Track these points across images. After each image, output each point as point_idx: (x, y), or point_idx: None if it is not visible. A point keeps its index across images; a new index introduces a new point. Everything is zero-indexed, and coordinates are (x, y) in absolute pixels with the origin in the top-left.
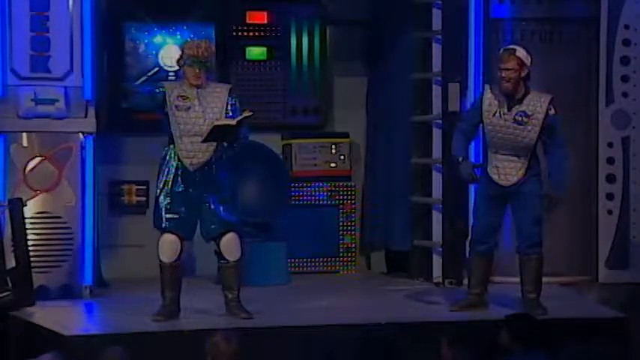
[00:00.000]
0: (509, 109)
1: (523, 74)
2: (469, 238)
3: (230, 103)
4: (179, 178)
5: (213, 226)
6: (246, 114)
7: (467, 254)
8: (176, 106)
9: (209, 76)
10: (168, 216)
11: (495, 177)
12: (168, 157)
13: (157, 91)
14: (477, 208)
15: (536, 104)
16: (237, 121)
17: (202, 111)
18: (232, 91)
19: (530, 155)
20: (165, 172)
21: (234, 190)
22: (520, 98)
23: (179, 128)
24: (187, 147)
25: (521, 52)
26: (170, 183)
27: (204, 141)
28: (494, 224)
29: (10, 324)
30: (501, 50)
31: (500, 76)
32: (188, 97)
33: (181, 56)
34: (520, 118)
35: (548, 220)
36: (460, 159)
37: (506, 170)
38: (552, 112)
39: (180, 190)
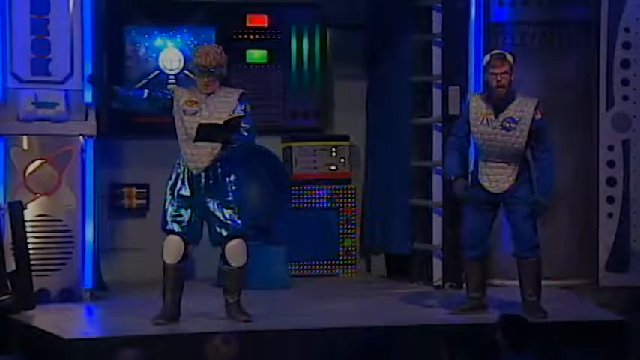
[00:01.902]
0: (497, 115)
1: (513, 78)
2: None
3: (239, 108)
4: (185, 182)
5: (219, 231)
6: (235, 114)
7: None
8: (184, 111)
9: (222, 81)
10: (173, 219)
11: (486, 185)
12: (178, 161)
13: (167, 95)
14: (467, 214)
15: (523, 109)
16: (225, 121)
17: (208, 115)
18: (243, 96)
19: (521, 161)
20: (174, 176)
21: (241, 193)
22: (507, 104)
23: (185, 132)
24: (192, 151)
25: (509, 57)
26: (177, 186)
27: (195, 141)
28: (485, 229)
29: (10, 327)
30: (489, 56)
31: (496, 81)
32: (196, 102)
33: (192, 62)
34: (508, 124)
35: (549, 223)
36: (453, 178)
37: (497, 177)
38: (539, 116)
39: (186, 193)
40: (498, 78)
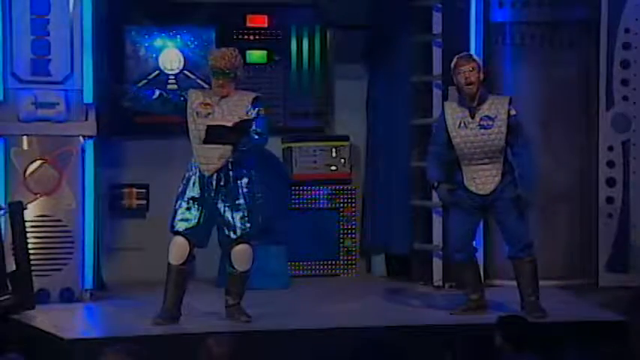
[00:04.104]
0: (473, 116)
1: (481, 77)
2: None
3: (251, 111)
4: (196, 184)
5: (227, 234)
6: (244, 117)
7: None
8: (197, 113)
9: (237, 85)
10: (181, 221)
11: (473, 188)
12: (191, 163)
13: (180, 97)
14: (453, 218)
15: (497, 106)
16: (234, 124)
17: (221, 118)
18: (257, 100)
19: (503, 160)
20: (186, 178)
21: (252, 197)
22: (480, 104)
23: (198, 135)
24: (205, 153)
25: (476, 57)
26: (188, 188)
27: (204, 142)
28: (470, 233)
29: (10, 327)
30: (456, 58)
31: (464, 79)
32: (210, 105)
33: (208, 65)
34: (485, 123)
35: (549, 223)
36: (435, 184)
37: (483, 179)
38: (513, 112)
39: (196, 196)
40: (466, 75)
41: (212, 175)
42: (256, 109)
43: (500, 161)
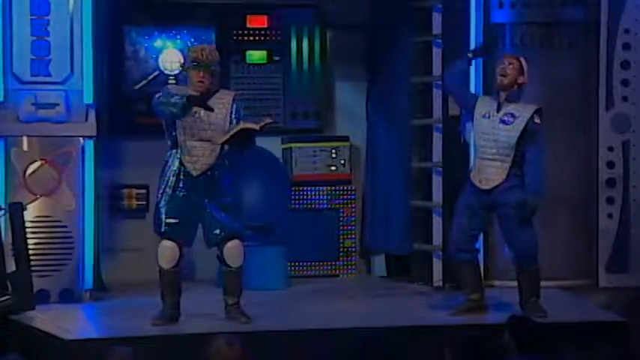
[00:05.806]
0: (498, 110)
1: (519, 80)
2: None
3: (234, 109)
4: (181, 183)
5: (216, 232)
6: (267, 120)
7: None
8: None
9: (214, 82)
10: (168, 221)
11: (477, 182)
12: (170, 162)
13: (178, 99)
14: (457, 215)
15: (524, 110)
16: (260, 127)
17: (207, 116)
18: (237, 97)
19: (512, 161)
20: (167, 177)
21: (237, 195)
22: (509, 103)
23: (184, 132)
24: (191, 152)
25: (523, 61)
26: (172, 188)
27: (225, 142)
28: (473, 233)
29: (10, 328)
30: (503, 56)
31: (501, 68)
32: None
33: (185, 61)
34: (506, 119)
35: (549, 224)
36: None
37: (488, 175)
38: (537, 120)
39: (181, 195)
40: (503, 66)
41: (199, 174)
42: (237, 107)
43: (509, 161)
